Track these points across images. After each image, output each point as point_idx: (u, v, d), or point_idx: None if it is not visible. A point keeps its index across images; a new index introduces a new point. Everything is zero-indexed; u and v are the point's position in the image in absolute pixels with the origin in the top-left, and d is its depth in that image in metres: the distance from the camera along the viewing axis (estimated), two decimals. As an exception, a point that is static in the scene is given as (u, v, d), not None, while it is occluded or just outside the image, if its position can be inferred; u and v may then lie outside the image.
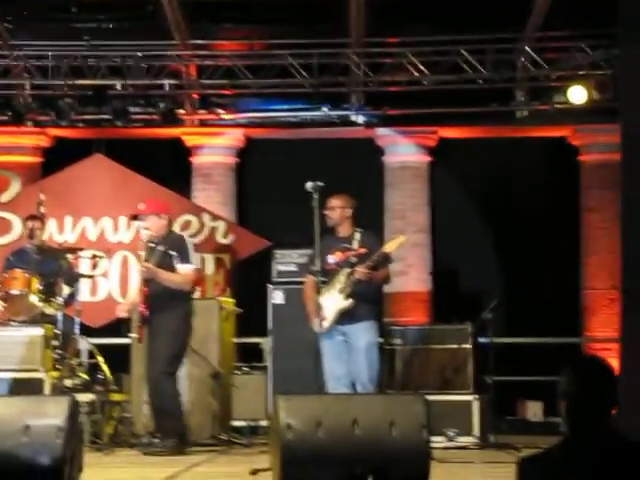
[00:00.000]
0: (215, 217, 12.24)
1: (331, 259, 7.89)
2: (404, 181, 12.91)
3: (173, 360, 8.00)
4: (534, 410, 10.80)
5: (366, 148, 12.91)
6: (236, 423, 9.40)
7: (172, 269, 8.06)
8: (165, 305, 7.96)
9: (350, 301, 7.75)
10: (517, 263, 12.37)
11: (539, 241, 12.35)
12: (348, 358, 7.76)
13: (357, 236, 7.97)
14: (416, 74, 11.93)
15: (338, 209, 7.99)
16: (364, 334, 7.78)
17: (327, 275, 7.87)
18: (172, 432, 7.85)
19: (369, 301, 7.85)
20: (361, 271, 7.71)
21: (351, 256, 7.86)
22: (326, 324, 7.75)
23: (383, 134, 12.92)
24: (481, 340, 9.06)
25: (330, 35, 12.16)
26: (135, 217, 8.63)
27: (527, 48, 11.79)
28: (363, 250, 7.88)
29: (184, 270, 8.10)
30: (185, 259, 8.10)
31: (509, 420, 10.54)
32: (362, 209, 12.49)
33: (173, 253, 8.08)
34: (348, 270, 7.80)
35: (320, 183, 7.68)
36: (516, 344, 11.36)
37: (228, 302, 9.36)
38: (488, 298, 9.41)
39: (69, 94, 12.03)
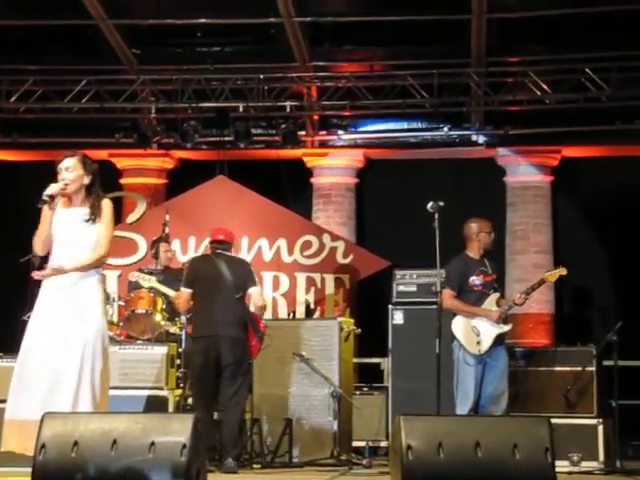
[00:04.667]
0: (335, 237, 12.30)
1: (477, 280, 8.01)
2: (526, 201, 12.77)
3: None
4: (661, 435, 10.50)
5: (487, 168, 12.81)
6: (356, 443, 9.38)
7: None
8: None
9: (510, 325, 8.08)
10: (642, 284, 12.09)
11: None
12: (485, 378, 7.96)
13: (487, 261, 8.17)
14: (538, 93, 11.80)
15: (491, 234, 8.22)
16: (504, 355, 8.10)
17: (468, 294, 8.03)
18: None
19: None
20: (524, 297, 8.03)
21: (492, 281, 8.09)
22: (486, 346, 7.92)
23: (504, 154, 12.81)
24: (606, 363, 8.86)
25: (450, 55, 12.15)
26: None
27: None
28: (495, 276, 8.16)
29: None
30: None
31: (635, 445, 10.26)
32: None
33: None
34: (497, 294, 8.01)
35: (441, 203, 7.68)
36: (642, 367, 11.08)
37: (348, 322, 9.37)
38: (612, 320, 9.21)
39: (193, 117, 12.26)
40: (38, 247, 6.07)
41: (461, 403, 7.89)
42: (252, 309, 8.31)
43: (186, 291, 8.18)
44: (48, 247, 6.05)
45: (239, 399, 8.07)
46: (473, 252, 8.18)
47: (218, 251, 8.32)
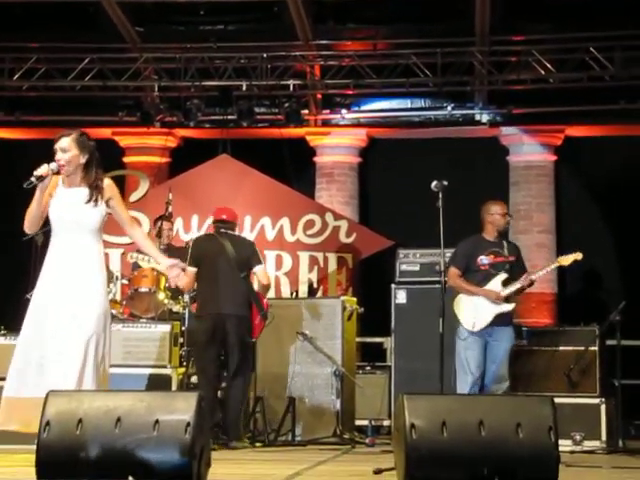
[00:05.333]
0: (338, 216, 12.29)
1: (485, 260, 8.08)
2: (529, 180, 12.77)
3: None
4: (664, 414, 10.52)
5: (490, 147, 12.80)
6: (359, 422, 9.41)
7: None
8: None
9: (513, 305, 8.06)
10: (645, 264, 12.09)
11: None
12: (487, 357, 7.98)
13: (505, 243, 8.23)
14: (542, 72, 11.78)
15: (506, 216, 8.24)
16: (509, 337, 8.09)
17: (474, 274, 8.06)
18: None
19: (513, 308, 8.16)
20: (530, 279, 8.03)
21: (505, 262, 8.09)
22: (482, 324, 7.95)
23: (508, 133, 12.80)
24: (609, 342, 8.88)
25: (454, 34, 12.11)
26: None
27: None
28: (512, 258, 8.16)
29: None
30: None
31: (637, 424, 10.29)
32: (486, 209, 12.45)
33: None
34: (505, 275, 8.00)
35: (445, 182, 7.68)
36: (644, 347, 11.10)
37: (351, 301, 9.39)
38: (615, 299, 9.21)
39: (196, 95, 12.24)
40: (27, 225, 6.03)
41: (459, 378, 7.95)
42: (256, 287, 8.33)
43: (192, 270, 8.16)
44: (37, 226, 6.03)
45: (243, 377, 8.10)
46: (488, 234, 8.21)
47: (222, 230, 8.32)
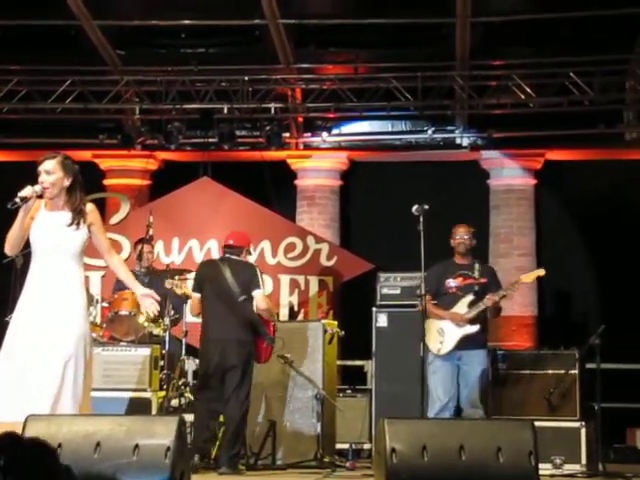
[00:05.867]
0: (319, 239, 12.31)
1: (453, 283, 8.10)
2: (509, 204, 12.80)
3: None
4: (644, 438, 10.54)
5: (471, 171, 12.83)
6: (340, 446, 9.39)
7: None
8: None
9: (477, 327, 8.01)
10: (625, 287, 12.11)
11: (648, 265, 12.11)
12: (460, 382, 7.98)
13: (477, 266, 8.23)
14: (522, 96, 11.84)
15: (469, 238, 8.24)
16: (481, 361, 8.09)
17: (442, 297, 8.11)
18: None
19: (484, 330, 8.14)
20: (493, 299, 7.97)
21: (474, 284, 8.10)
22: (448, 348, 7.95)
23: (488, 157, 12.83)
24: (588, 366, 8.90)
25: (434, 58, 12.17)
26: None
27: (636, 69, 11.61)
28: (484, 280, 8.16)
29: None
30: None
31: (617, 448, 10.30)
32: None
33: None
34: (472, 297, 8.00)
35: (426, 206, 7.71)
36: (624, 370, 11.13)
37: (332, 324, 9.38)
38: (595, 323, 9.25)
39: (177, 118, 12.24)
40: (7, 247, 6.00)
41: (429, 403, 7.95)
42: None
43: (195, 295, 8.34)
44: (18, 248, 6.00)
45: (241, 401, 8.03)
46: (457, 257, 8.30)
47: (227, 255, 8.39)
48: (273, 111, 12.37)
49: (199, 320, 11.76)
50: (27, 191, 5.87)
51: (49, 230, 5.94)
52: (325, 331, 9.15)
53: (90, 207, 6.05)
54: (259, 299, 8.19)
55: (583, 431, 8.59)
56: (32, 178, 6.04)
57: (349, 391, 10.20)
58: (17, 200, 5.84)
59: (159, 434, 4.52)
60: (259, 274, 8.29)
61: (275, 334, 8.27)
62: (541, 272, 8.25)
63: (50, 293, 5.86)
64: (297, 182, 13.22)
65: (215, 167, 12.48)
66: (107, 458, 4.44)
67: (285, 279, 12.13)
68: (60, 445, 4.45)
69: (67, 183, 5.97)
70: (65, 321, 5.83)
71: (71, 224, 5.94)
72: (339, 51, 12.66)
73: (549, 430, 8.43)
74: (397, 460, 4.64)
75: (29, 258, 6.06)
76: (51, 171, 5.93)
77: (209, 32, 12.32)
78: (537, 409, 8.71)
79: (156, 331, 8.94)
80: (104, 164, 13.26)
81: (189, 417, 8.33)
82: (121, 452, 4.46)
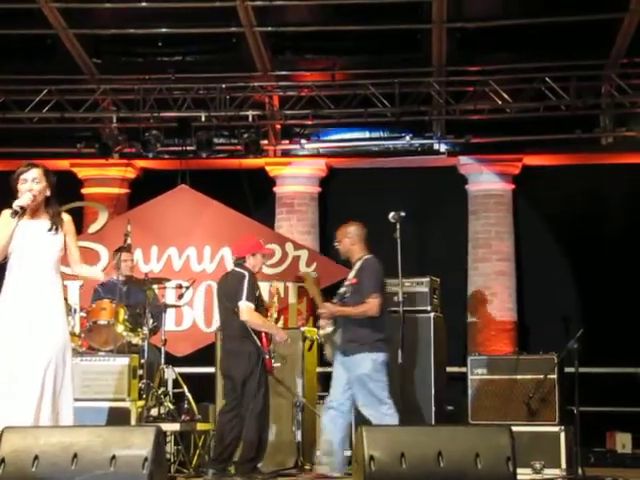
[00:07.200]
0: (298, 246, 12.32)
1: (341, 289, 8.09)
2: (488, 209, 12.83)
3: None
4: (623, 441, 10.57)
5: (449, 176, 12.85)
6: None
7: None
8: None
9: (330, 329, 7.96)
10: (603, 291, 12.16)
11: (625, 269, 12.15)
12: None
13: (357, 265, 8.03)
14: (499, 102, 11.88)
15: (344, 239, 8.15)
16: (359, 364, 7.79)
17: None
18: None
19: (359, 335, 7.83)
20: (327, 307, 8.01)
21: (349, 285, 7.98)
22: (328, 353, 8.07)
23: (466, 162, 12.86)
24: (567, 370, 8.93)
25: (411, 64, 12.21)
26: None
27: (612, 74, 11.67)
28: (355, 280, 7.95)
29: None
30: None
31: (597, 452, 10.34)
32: (445, 237, 12.52)
33: None
34: (335, 301, 8.03)
35: (402, 213, 7.72)
36: (603, 374, 11.17)
37: (311, 331, 9.37)
38: (573, 327, 9.27)
39: (154, 126, 12.22)
40: None
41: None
42: None
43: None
44: (3, 255, 6.03)
45: (253, 412, 7.84)
46: None
47: (232, 267, 8.49)
48: (251, 118, 12.36)
49: (178, 329, 11.83)
50: (24, 199, 5.97)
51: (30, 237, 6.02)
52: (305, 338, 9.14)
53: (67, 218, 6.20)
54: (241, 310, 7.95)
55: (563, 435, 8.61)
56: (8, 188, 6.07)
57: (329, 398, 10.17)
58: (17, 209, 5.93)
59: (136, 445, 4.51)
60: (245, 284, 8.03)
61: (268, 348, 8.00)
62: (313, 273, 8.31)
63: (30, 301, 5.91)
64: (276, 189, 13.22)
65: (193, 175, 12.47)
66: (84, 470, 4.42)
67: (265, 286, 12.05)
68: (37, 457, 4.43)
69: (48, 193, 6.10)
70: (46, 329, 5.85)
71: (50, 229, 6.05)
72: (316, 58, 12.66)
73: (529, 435, 8.46)
74: (375, 468, 4.65)
75: (4, 265, 6.07)
76: (38, 179, 6.06)
77: (186, 40, 12.31)
78: (517, 414, 8.73)
79: (135, 340, 8.91)
80: (82, 173, 13.22)
81: (169, 426, 8.33)
82: (98, 463, 4.45)
